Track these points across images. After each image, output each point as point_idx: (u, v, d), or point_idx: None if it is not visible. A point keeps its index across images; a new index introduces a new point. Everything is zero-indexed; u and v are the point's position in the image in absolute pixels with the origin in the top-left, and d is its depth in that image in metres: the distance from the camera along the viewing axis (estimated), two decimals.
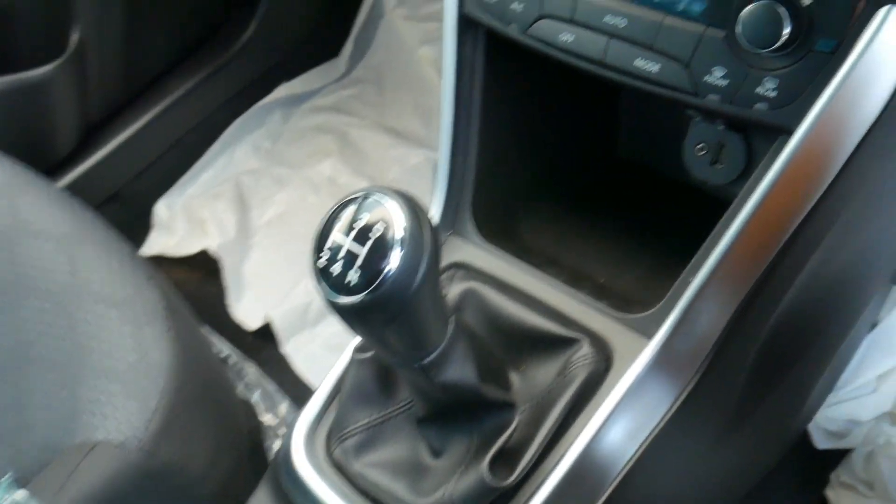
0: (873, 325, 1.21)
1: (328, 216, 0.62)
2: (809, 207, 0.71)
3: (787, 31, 0.64)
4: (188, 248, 1.84)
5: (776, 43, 0.64)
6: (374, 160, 1.93)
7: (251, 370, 1.56)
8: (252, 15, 1.98)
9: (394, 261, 0.58)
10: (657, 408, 0.78)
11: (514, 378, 0.81)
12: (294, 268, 1.75)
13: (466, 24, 0.88)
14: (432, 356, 0.67)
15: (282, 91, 2.07)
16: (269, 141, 2.05)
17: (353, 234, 0.60)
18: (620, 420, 0.76)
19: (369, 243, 0.59)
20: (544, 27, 0.79)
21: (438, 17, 2.07)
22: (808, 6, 0.64)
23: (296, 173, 1.96)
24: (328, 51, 2.16)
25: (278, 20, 2.00)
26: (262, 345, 1.66)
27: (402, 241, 0.58)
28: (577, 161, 1.02)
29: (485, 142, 0.92)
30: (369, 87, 2.09)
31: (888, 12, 0.62)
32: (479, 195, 0.92)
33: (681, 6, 0.71)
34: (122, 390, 0.93)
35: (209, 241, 1.83)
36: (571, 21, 0.77)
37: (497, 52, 0.89)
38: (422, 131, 1.96)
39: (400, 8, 2.07)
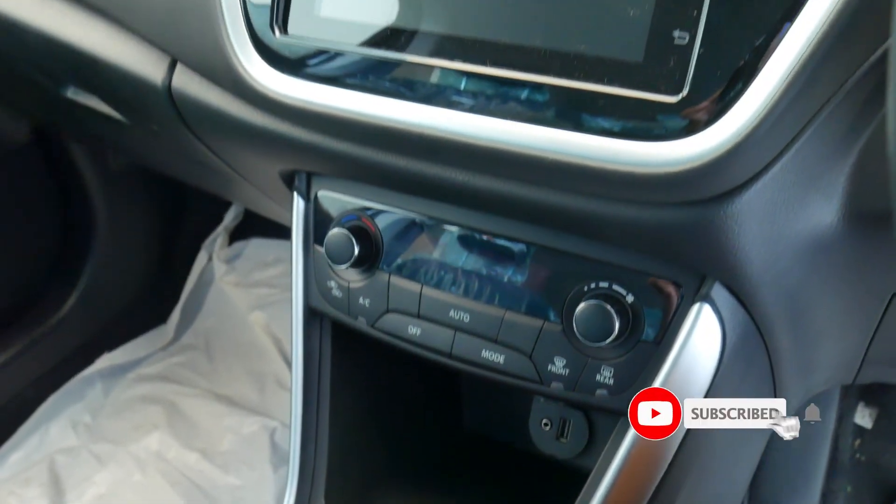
0: None
1: None
2: (659, 478, 0.75)
3: (616, 325, 0.70)
4: None
5: (608, 337, 0.71)
6: (205, 431, 1.84)
7: None
8: (73, 285, 1.92)
9: None
10: None
11: None
12: None
13: (313, 314, 0.90)
14: None
15: (104, 361, 1.98)
16: (88, 415, 1.92)
17: None
18: None
19: None
20: (392, 321, 0.83)
21: (269, 283, 2.12)
22: (633, 303, 0.71)
23: (119, 449, 1.83)
24: (154, 318, 2.11)
25: (102, 290, 1.96)
26: None
27: None
28: (429, 438, 1.03)
29: (336, 428, 0.91)
30: (199, 354, 2.04)
31: (700, 308, 0.70)
32: (333, 484, 0.90)
33: (519, 303, 0.76)
34: None
35: None
36: (418, 316, 0.81)
37: (345, 341, 0.91)
38: (256, 398, 1.91)
39: (230, 274, 2.09)
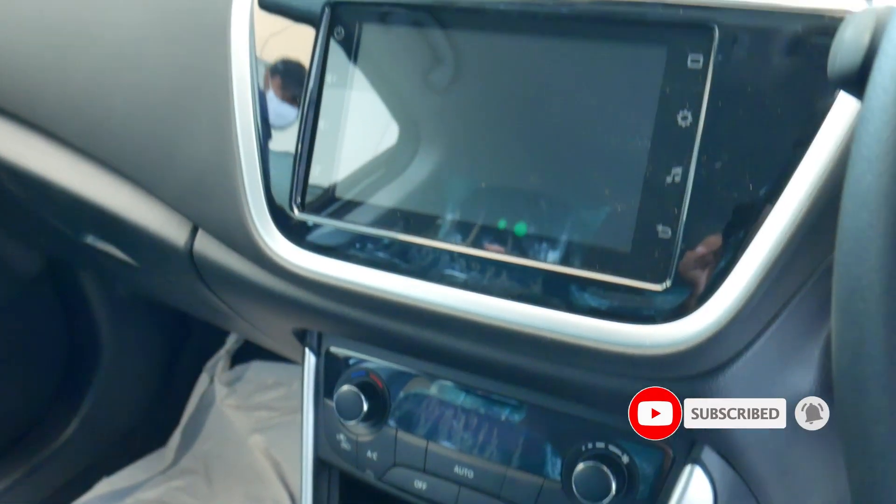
0: None
1: None
2: None
3: (613, 486, 0.74)
4: None
5: (606, 497, 0.74)
6: None
7: None
8: (75, 410, 1.93)
9: None
10: None
11: None
12: None
13: (322, 465, 0.93)
14: None
15: (103, 486, 1.96)
16: None
17: None
18: None
19: None
20: (399, 475, 0.87)
21: (269, 406, 2.14)
22: (628, 464, 0.75)
23: None
24: (155, 441, 2.11)
25: (103, 414, 1.96)
26: None
27: None
28: None
29: None
30: (198, 478, 2.04)
31: (692, 469, 0.74)
32: None
33: (520, 461, 0.81)
34: None
35: None
36: (424, 470, 0.85)
37: (353, 490, 0.94)
38: None
39: (231, 397, 2.11)
